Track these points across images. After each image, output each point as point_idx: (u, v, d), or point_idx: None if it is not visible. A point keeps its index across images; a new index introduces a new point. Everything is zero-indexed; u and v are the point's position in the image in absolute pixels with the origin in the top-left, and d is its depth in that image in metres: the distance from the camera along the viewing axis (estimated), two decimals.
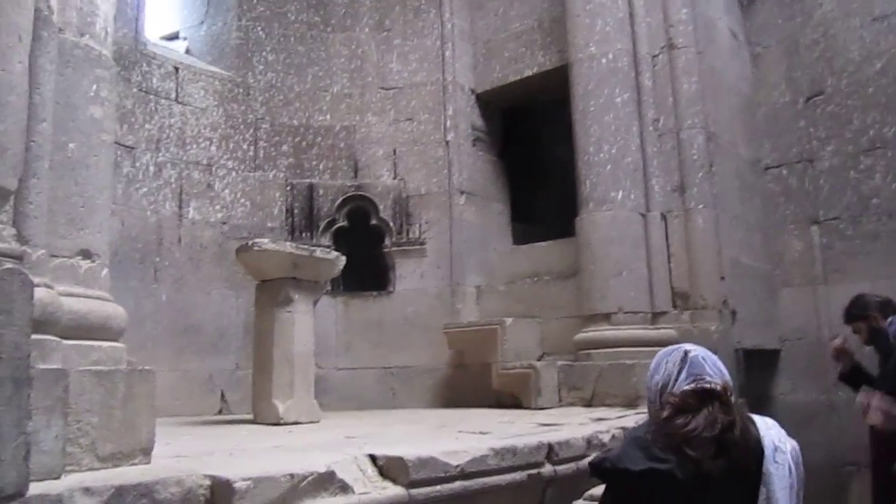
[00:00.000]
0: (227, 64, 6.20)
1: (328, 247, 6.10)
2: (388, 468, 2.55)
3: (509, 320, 5.32)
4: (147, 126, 5.48)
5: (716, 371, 1.74)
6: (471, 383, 5.55)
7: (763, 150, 6.19)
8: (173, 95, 5.71)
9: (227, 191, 5.89)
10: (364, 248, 6.17)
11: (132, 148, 5.35)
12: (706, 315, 5.06)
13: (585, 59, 5.36)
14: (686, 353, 1.80)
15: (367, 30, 6.54)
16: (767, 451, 1.60)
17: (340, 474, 2.35)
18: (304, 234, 6.07)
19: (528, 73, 6.12)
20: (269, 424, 4.32)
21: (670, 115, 5.33)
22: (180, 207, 5.63)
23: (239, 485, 2.05)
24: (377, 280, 6.19)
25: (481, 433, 3.50)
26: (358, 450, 2.65)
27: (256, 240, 4.40)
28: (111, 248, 5.07)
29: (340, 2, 6.55)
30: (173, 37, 6.53)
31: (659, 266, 5.17)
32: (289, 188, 6.16)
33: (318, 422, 4.48)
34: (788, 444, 1.64)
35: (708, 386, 1.68)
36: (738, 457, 1.57)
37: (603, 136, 5.23)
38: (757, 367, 5.52)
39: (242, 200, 5.97)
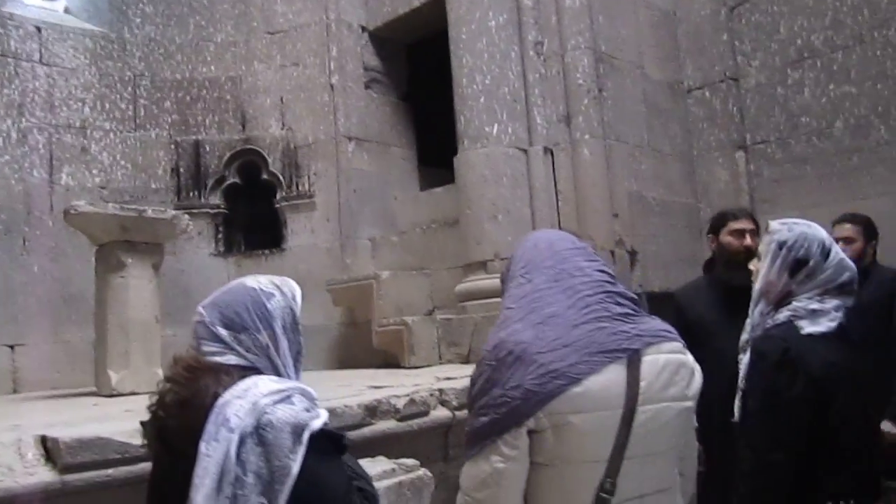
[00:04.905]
0: (101, 20, 5.85)
1: (217, 205, 5.82)
2: (52, 451, 2.27)
3: (385, 274, 4.93)
4: (6, 91, 5.22)
5: (225, 332, 1.47)
6: (360, 342, 5.22)
7: (685, 71, 5.56)
8: (36, 57, 5.42)
9: (104, 154, 5.60)
10: (257, 205, 5.85)
11: None
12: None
13: None
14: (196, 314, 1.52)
15: None
16: (209, 427, 1.30)
17: None
18: (191, 194, 5.77)
19: (417, 3, 5.59)
20: (104, 396, 4.10)
21: (555, 37, 4.79)
22: (51, 174, 5.38)
23: None
24: (273, 237, 5.86)
25: None
26: (30, 431, 2.37)
27: (74, 202, 4.11)
28: None
29: None
30: None
31: (543, 206, 4.70)
32: (173, 146, 5.82)
33: None
34: (251, 420, 1.29)
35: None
36: (170, 438, 1.40)
37: (476, 66, 4.72)
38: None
39: (123, 163, 5.67)
